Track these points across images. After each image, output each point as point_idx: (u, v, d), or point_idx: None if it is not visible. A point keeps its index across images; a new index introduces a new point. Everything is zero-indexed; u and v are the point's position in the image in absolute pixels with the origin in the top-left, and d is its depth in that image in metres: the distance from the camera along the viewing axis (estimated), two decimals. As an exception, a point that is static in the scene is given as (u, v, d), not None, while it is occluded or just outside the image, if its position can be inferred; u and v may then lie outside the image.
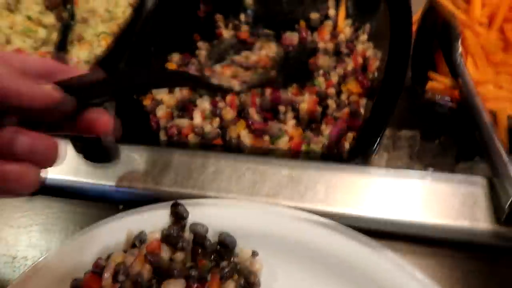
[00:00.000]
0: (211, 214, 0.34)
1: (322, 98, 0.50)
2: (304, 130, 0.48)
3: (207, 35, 0.66)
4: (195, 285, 0.31)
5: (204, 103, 0.49)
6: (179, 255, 0.32)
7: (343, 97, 0.51)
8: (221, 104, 0.50)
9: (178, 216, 0.34)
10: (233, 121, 0.49)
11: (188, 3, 0.65)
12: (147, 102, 0.51)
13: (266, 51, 0.55)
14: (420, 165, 0.48)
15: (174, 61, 0.57)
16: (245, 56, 0.54)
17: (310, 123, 0.49)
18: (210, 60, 0.58)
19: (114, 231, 0.35)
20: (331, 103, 0.50)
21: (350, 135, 0.46)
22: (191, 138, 0.48)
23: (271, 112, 0.50)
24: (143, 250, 0.32)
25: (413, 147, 0.49)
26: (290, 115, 0.50)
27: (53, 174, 0.42)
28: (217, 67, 0.53)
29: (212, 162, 0.40)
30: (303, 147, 0.45)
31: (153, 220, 0.34)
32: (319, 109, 0.49)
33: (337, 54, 0.60)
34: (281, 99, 0.50)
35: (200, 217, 0.34)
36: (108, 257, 0.33)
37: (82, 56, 0.56)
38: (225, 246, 0.33)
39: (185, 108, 0.49)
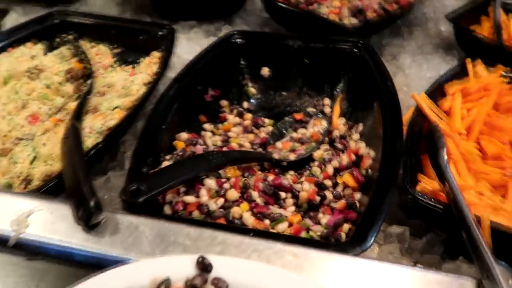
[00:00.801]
0: (234, 272, 0.36)
1: (320, 188, 0.54)
2: (303, 217, 0.50)
3: (212, 118, 0.71)
4: None
5: (211, 183, 0.52)
6: None
7: (339, 188, 0.55)
8: (226, 185, 0.53)
9: (203, 269, 0.36)
10: (236, 202, 0.51)
11: (197, 88, 0.70)
12: (155, 176, 0.53)
13: (317, 127, 0.64)
14: (409, 260, 0.51)
15: (182, 139, 0.61)
16: (301, 133, 0.66)
17: (308, 210, 0.52)
18: (273, 138, 0.66)
19: (140, 274, 0.36)
20: (328, 194, 0.54)
21: (346, 226, 0.49)
22: (196, 214, 0.49)
23: (272, 196, 0.53)
24: None
25: (402, 243, 0.52)
26: (290, 201, 0.53)
27: (58, 239, 0.42)
28: (278, 144, 0.64)
29: (219, 241, 0.41)
30: (303, 234, 0.47)
31: (178, 269, 0.36)
32: (317, 198, 0.52)
33: (331, 145, 0.65)
34: (283, 185, 0.53)
35: (223, 273, 0.36)
36: None
37: (95, 127, 0.59)
38: None
39: (192, 186, 0.51)
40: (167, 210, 0.50)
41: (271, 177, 0.55)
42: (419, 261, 0.50)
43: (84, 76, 0.65)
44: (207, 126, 0.69)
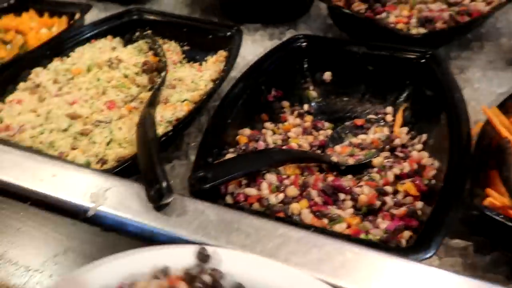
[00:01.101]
0: (231, 264, 0.38)
1: (380, 193, 0.54)
2: (361, 220, 0.50)
3: (273, 117, 0.72)
4: None
5: (272, 178, 0.53)
6: None
7: (400, 196, 0.54)
8: (286, 182, 0.54)
9: (202, 259, 0.38)
10: (295, 198, 0.52)
11: (261, 88, 0.72)
12: (219, 166, 0.56)
13: (378, 135, 0.64)
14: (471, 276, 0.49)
15: (245, 134, 0.63)
16: (361, 139, 0.66)
17: (367, 214, 0.52)
18: (332, 142, 0.67)
19: (142, 261, 0.38)
20: (389, 199, 0.53)
21: (407, 233, 0.48)
22: (256, 207, 0.51)
23: (331, 197, 0.53)
24: (165, 283, 0.35)
25: (464, 258, 0.50)
26: (348, 203, 0.53)
27: (130, 215, 0.45)
28: (337, 148, 0.64)
29: (279, 233, 0.42)
30: (362, 236, 0.47)
31: (178, 258, 0.38)
32: (378, 203, 0.52)
33: (392, 153, 0.64)
34: (342, 187, 0.54)
35: (221, 264, 0.38)
36: (132, 284, 0.36)
37: (165, 116, 0.62)
38: None
39: (254, 179, 0.53)
40: (229, 199, 0.52)
41: (330, 178, 0.56)
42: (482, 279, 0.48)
43: (158, 69, 0.70)
44: (268, 124, 0.70)
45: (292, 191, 0.53)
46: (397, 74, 0.74)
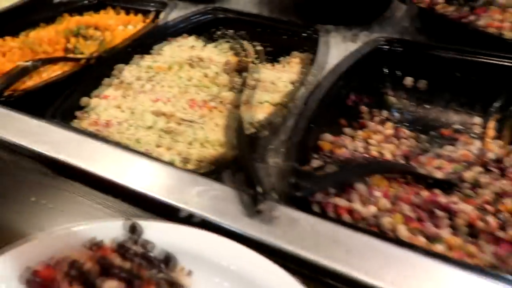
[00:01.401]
0: (163, 235, 0.40)
1: (481, 213, 0.49)
2: (463, 242, 0.46)
3: (352, 122, 0.69)
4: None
5: (362, 188, 0.50)
6: (126, 264, 0.38)
7: (504, 216, 0.49)
8: (377, 193, 0.51)
9: (133, 232, 0.40)
10: (387, 212, 0.49)
11: (341, 92, 0.70)
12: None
13: (469, 147, 0.58)
14: None
15: (327, 140, 0.60)
16: (448, 151, 0.60)
17: (467, 235, 0.48)
18: (417, 152, 0.62)
19: (76, 236, 0.40)
20: (491, 220, 0.49)
21: (518, 260, 0.44)
22: (346, 218, 0.48)
23: (427, 213, 0.50)
24: (97, 254, 0.38)
25: None
26: (446, 221, 0.49)
27: (223, 219, 0.44)
28: (423, 159, 0.58)
29: (382, 250, 0.40)
30: (467, 259, 0.44)
31: (111, 232, 0.40)
32: (480, 224, 0.48)
33: (486, 168, 0.59)
34: (440, 203, 0.50)
35: (153, 236, 0.40)
36: (66, 256, 0.38)
37: (245, 118, 0.61)
38: (167, 264, 0.39)
39: (343, 189, 0.51)
40: (316, 208, 0.50)
41: (424, 193, 0.52)
42: None
43: (238, 69, 0.69)
44: (347, 130, 0.67)
45: (384, 204, 0.49)
46: (489, 82, 0.69)
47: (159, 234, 0.40)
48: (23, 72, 0.70)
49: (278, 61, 0.81)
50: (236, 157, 0.49)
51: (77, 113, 0.64)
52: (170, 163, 0.53)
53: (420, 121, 0.72)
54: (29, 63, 0.71)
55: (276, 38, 0.84)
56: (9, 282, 0.37)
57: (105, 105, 0.64)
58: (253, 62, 0.71)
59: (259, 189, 0.43)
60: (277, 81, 0.69)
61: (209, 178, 0.49)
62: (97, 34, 0.93)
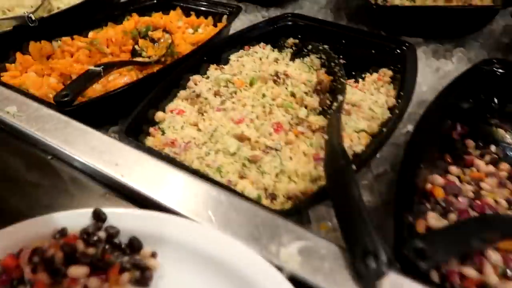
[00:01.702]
0: (127, 221, 0.41)
1: None
2: None
3: (457, 159, 0.59)
4: (97, 273, 0.37)
5: (495, 257, 0.41)
6: (91, 250, 0.38)
7: None
8: (512, 263, 0.41)
9: (97, 219, 0.41)
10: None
11: (447, 122, 0.60)
12: (420, 228, 0.45)
13: None
14: None
15: (438, 184, 0.51)
16: None
17: None
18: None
19: (41, 226, 0.40)
20: None
21: None
22: (475, 294, 0.39)
23: None
24: (60, 241, 0.39)
25: None
26: None
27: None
28: None
29: None
30: None
31: (76, 221, 0.41)
32: None
33: None
34: None
35: (117, 222, 0.41)
36: (30, 245, 0.38)
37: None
38: (132, 247, 0.39)
39: (470, 256, 0.41)
40: (434, 276, 0.41)
41: None
42: None
43: (331, 90, 0.60)
44: (453, 169, 0.57)
45: (524, 279, 0.40)
46: None
47: (124, 219, 0.41)
48: (94, 76, 0.66)
49: (362, 78, 0.72)
50: (338, 203, 0.41)
51: (151, 129, 0.58)
52: (256, 201, 0.46)
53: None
54: (99, 69, 0.66)
55: (361, 51, 0.75)
56: None
57: (181, 122, 0.58)
58: (342, 81, 0.62)
59: (382, 257, 0.34)
60: (374, 106, 0.60)
61: (304, 227, 0.41)
62: (165, 36, 0.87)
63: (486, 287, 0.39)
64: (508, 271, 0.41)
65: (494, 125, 0.64)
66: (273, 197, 0.49)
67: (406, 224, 0.43)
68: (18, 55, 0.77)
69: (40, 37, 0.81)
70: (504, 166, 0.59)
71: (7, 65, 0.76)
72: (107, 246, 0.39)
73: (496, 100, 0.65)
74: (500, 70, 0.65)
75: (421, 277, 0.38)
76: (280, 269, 0.38)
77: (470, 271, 0.40)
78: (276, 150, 0.53)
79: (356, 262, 0.36)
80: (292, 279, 0.37)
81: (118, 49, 0.84)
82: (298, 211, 0.45)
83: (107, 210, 0.41)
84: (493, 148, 0.62)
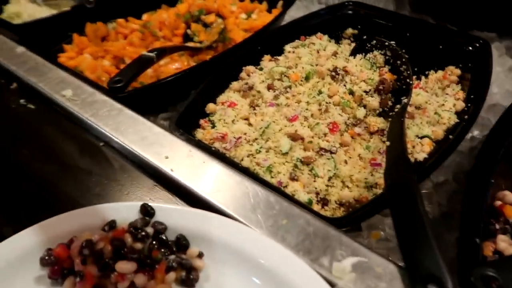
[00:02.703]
0: (174, 218, 0.40)
1: None
2: None
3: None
4: (144, 270, 0.37)
5: None
6: (139, 245, 0.38)
7: None
8: None
9: (145, 214, 0.40)
10: None
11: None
12: (487, 252, 0.41)
13: None
14: None
15: (507, 201, 0.46)
16: None
17: None
18: None
19: (92, 216, 0.41)
20: None
21: None
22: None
23: None
24: (110, 234, 0.39)
25: None
26: None
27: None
28: None
29: None
30: None
31: (125, 214, 0.41)
32: None
33: None
34: None
35: (165, 218, 0.40)
36: (80, 235, 0.39)
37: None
38: (179, 246, 0.39)
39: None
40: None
41: None
42: None
43: (394, 90, 0.56)
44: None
45: None
46: None
47: (172, 216, 0.40)
48: (147, 62, 0.65)
49: (426, 75, 0.67)
50: (400, 218, 0.38)
51: (201, 121, 0.57)
52: (307, 206, 0.44)
53: None
54: (152, 54, 0.66)
55: (426, 46, 0.69)
56: (28, 259, 0.38)
57: (232, 115, 0.56)
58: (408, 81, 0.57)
59: (449, 285, 0.31)
60: (440, 110, 0.55)
61: (358, 240, 0.38)
62: (218, 21, 0.85)
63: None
64: None
65: None
66: (324, 202, 0.47)
67: (473, 247, 0.39)
68: (75, 36, 0.78)
69: (97, 19, 0.81)
70: None
71: (64, 46, 0.77)
72: (154, 242, 0.38)
73: None
74: None
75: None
76: (332, 284, 0.36)
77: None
78: (331, 152, 0.50)
79: (416, 287, 0.33)
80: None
81: (170, 32, 0.83)
82: (353, 221, 0.43)
83: (155, 205, 0.41)
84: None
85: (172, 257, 0.38)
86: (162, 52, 0.70)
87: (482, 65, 0.62)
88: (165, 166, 0.47)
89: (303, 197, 0.46)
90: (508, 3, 0.76)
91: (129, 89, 0.60)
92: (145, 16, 0.87)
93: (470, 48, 0.66)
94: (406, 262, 0.35)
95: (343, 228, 0.42)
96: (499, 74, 0.72)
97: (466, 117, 0.54)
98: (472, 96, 0.57)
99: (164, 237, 0.39)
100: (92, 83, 0.60)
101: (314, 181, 0.48)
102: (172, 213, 0.40)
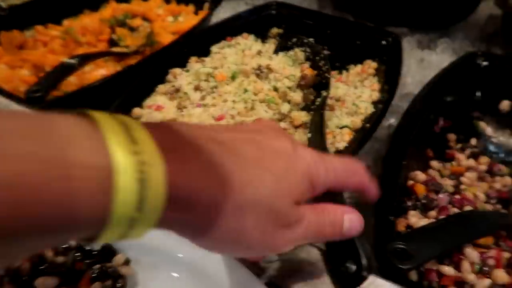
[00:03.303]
0: None
1: None
2: None
3: (438, 153, 0.59)
4: (67, 284, 0.36)
5: (473, 254, 0.41)
6: (61, 258, 0.37)
7: None
8: (490, 262, 0.41)
9: None
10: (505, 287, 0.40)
11: (430, 117, 0.60)
12: (401, 227, 0.45)
13: None
14: None
15: (419, 180, 0.51)
16: None
17: None
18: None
19: None
20: None
21: None
22: (453, 292, 0.40)
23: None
24: None
25: None
26: None
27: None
28: None
29: None
30: None
31: None
32: None
33: None
34: None
35: None
36: None
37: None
38: (104, 254, 0.38)
39: (450, 254, 0.41)
40: (413, 275, 0.41)
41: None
42: None
43: (315, 85, 0.59)
44: (434, 164, 0.58)
45: (501, 276, 0.40)
46: None
47: None
48: (68, 70, 0.63)
49: (347, 70, 0.71)
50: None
51: (129, 126, 0.56)
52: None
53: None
54: (74, 61, 0.64)
55: (346, 42, 0.73)
56: None
57: (159, 118, 0.56)
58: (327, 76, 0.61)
59: (364, 261, 0.34)
60: (358, 101, 0.59)
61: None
62: (144, 24, 0.84)
63: (463, 284, 0.40)
64: (485, 268, 0.41)
65: (476, 118, 0.65)
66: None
67: (387, 224, 0.43)
68: (-12, 46, 0.74)
69: (12, 26, 0.77)
70: (484, 159, 0.59)
71: (-23, 56, 0.73)
72: (77, 254, 0.38)
73: (478, 93, 0.66)
74: (484, 63, 0.65)
75: (401, 277, 0.38)
76: (259, 274, 0.37)
77: (447, 269, 0.40)
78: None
79: (334, 266, 0.36)
80: (270, 284, 0.37)
81: (94, 38, 0.81)
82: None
83: None
84: (473, 141, 0.63)
85: (97, 266, 0.37)
86: (85, 59, 0.68)
87: (394, 57, 0.67)
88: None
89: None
90: (418, 1, 0.84)
91: (50, 98, 0.58)
92: (66, 22, 0.83)
93: (384, 42, 0.71)
94: (326, 245, 0.38)
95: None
96: (411, 65, 0.79)
97: (381, 106, 0.58)
98: (386, 87, 0.62)
99: (88, 248, 0.38)
100: (6, 93, 0.57)
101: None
102: None
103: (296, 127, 0.56)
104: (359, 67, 0.71)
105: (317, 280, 0.36)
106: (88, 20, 0.84)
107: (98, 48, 0.79)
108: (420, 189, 0.49)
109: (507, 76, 0.64)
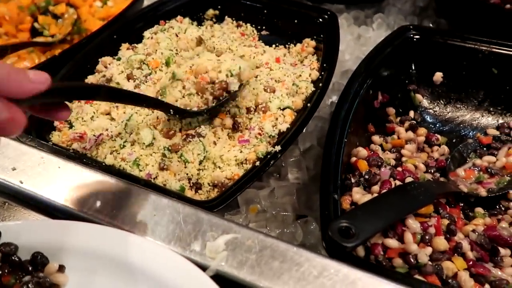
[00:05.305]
0: (27, 235, 0.37)
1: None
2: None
3: (379, 128, 0.61)
4: None
5: (415, 224, 0.42)
6: None
7: None
8: (431, 230, 0.43)
9: None
10: (445, 253, 0.42)
11: (369, 92, 0.60)
12: (345, 205, 0.45)
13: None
14: None
15: (361, 157, 0.52)
16: (488, 161, 0.54)
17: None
18: (453, 163, 0.55)
19: None
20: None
21: None
22: (398, 263, 0.41)
23: (489, 251, 0.42)
24: None
25: None
26: (509, 260, 0.42)
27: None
28: (460, 171, 0.53)
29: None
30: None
31: None
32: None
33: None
34: (502, 238, 0.43)
35: (15, 238, 0.36)
36: None
37: (267, 129, 0.51)
38: (35, 264, 0.36)
39: (393, 227, 0.42)
40: (360, 251, 0.42)
41: (480, 227, 0.45)
42: None
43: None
44: (376, 138, 0.59)
45: (441, 244, 0.42)
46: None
47: (22, 233, 0.37)
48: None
49: (288, 48, 0.70)
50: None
51: (56, 123, 0.52)
52: (178, 194, 0.43)
53: (449, 123, 0.64)
54: (-10, 53, 0.57)
55: (282, 22, 0.72)
56: None
57: (90, 111, 0.52)
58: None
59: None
60: (298, 81, 0.58)
61: (229, 219, 0.39)
62: (70, 11, 0.78)
63: (408, 255, 0.41)
64: (427, 237, 0.42)
65: (412, 91, 0.66)
66: (197, 186, 0.47)
67: (332, 202, 0.43)
68: None
69: None
70: (422, 130, 0.61)
71: None
72: (3, 267, 0.35)
73: (413, 66, 0.67)
74: (416, 37, 0.66)
75: (348, 255, 0.39)
76: (205, 268, 0.36)
77: (392, 242, 0.41)
78: (199, 137, 0.49)
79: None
80: (218, 275, 0.36)
81: (14, 28, 0.74)
82: (225, 200, 0.43)
83: (1, 226, 0.36)
84: (411, 114, 0.65)
85: (27, 278, 0.34)
86: (4, 50, 0.62)
87: (331, 35, 0.67)
88: (13, 179, 0.42)
89: (174, 185, 0.45)
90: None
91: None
92: (-21, 11, 0.75)
93: (321, 20, 0.71)
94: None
95: (216, 209, 0.42)
96: (349, 42, 0.80)
97: (320, 84, 0.58)
98: (325, 65, 0.62)
99: (16, 259, 0.35)
100: None
101: (185, 167, 0.47)
102: (22, 231, 0.37)
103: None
104: (298, 46, 0.70)
105: (264, 266, 0.36)
106: (5, 9, 0.76)
107: (19, 39, 0.72)
108: (363, 165, 0.50)
109: (438, 48, 0.66)
